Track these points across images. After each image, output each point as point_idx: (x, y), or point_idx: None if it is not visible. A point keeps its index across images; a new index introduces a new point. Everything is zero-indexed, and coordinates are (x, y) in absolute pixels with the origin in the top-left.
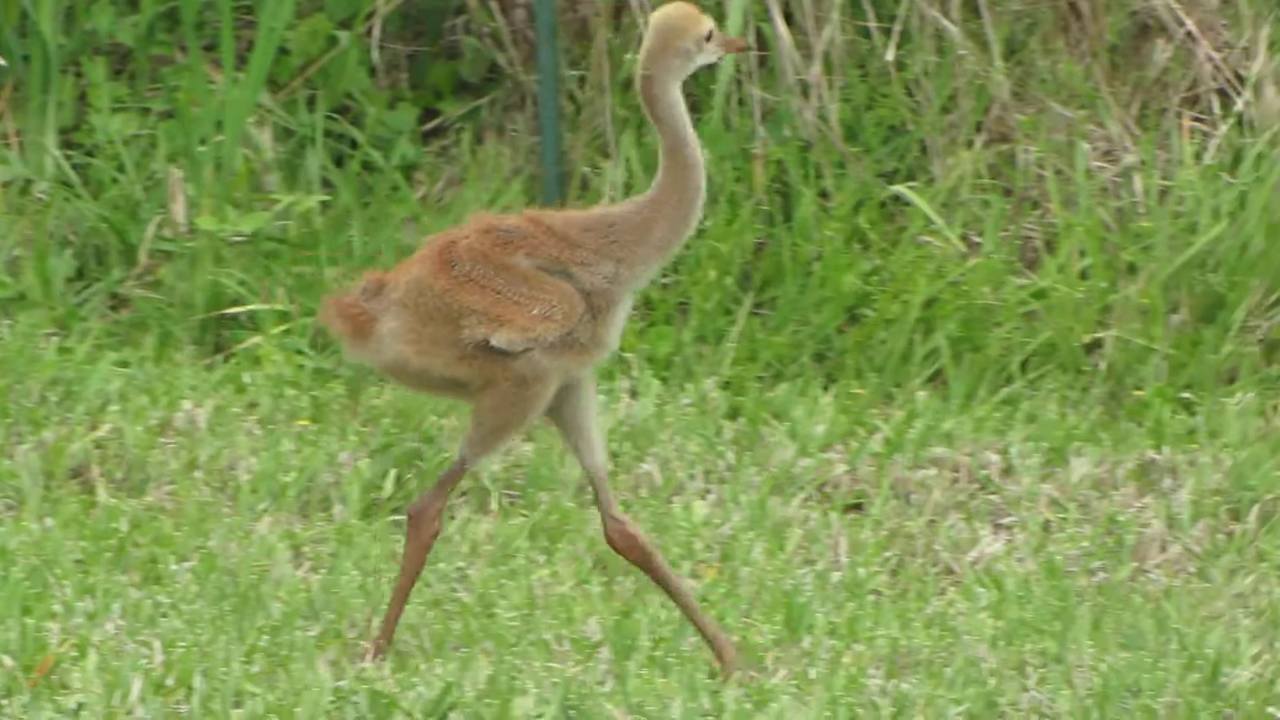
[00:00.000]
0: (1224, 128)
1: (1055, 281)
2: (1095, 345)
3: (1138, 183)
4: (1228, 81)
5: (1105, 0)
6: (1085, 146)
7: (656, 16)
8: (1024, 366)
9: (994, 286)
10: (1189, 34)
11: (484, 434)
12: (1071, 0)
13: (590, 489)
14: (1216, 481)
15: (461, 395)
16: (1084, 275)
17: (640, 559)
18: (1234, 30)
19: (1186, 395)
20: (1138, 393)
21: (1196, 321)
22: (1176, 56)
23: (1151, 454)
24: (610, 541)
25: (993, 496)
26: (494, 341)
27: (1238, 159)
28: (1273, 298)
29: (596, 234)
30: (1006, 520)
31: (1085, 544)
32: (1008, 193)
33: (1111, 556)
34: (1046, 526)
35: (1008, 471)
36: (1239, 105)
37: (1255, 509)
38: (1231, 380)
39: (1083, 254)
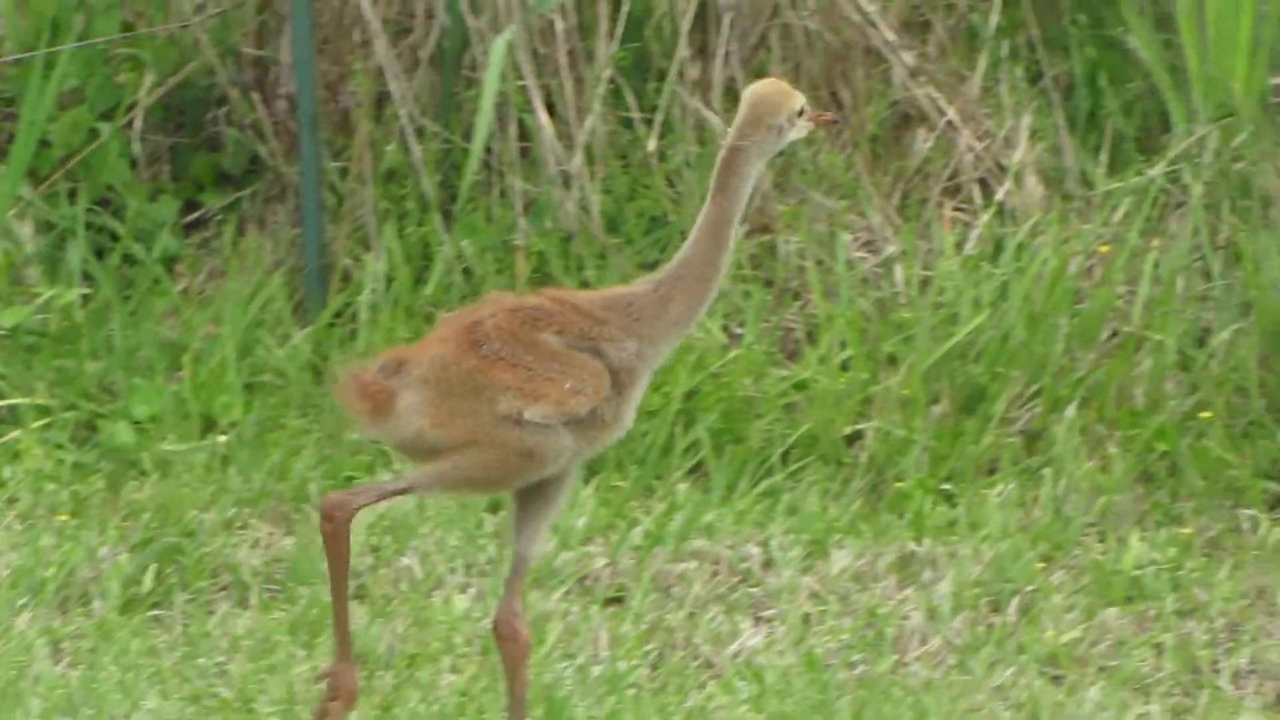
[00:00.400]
0: (985, 217)
1: (816, 373)
2: (856, 437)
3: (899, 273)
4: (989, 171)
5: (866, 90)
6: (846, 237)
7: (752, 91)
8: (785, 458)
9: (755, 378)
10: (950, 123)
11: (448, 477)
12: (833, 90)
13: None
14: (977, 573)
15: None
16: (845, 366)
17: (512, 659)
18: (995, 120)
19: (947, 487)
20: (898, 484)
21: (957, 413)
22: (938, 146)
23: (912, 546)
24: (495, 626)
25: (753, 589)
26: (528, 415)
27: (999, 249)
28: (1033, 389)
29: (618, 312)
30: (767, 613)
31: (845, 636)
32: (769, 283)
33: (872, 649)
34: (807, 619)
35: (768, 564)
36: (1000, 194)
37: (1015, 601)
38: (992, 471)
39: (843, 345)
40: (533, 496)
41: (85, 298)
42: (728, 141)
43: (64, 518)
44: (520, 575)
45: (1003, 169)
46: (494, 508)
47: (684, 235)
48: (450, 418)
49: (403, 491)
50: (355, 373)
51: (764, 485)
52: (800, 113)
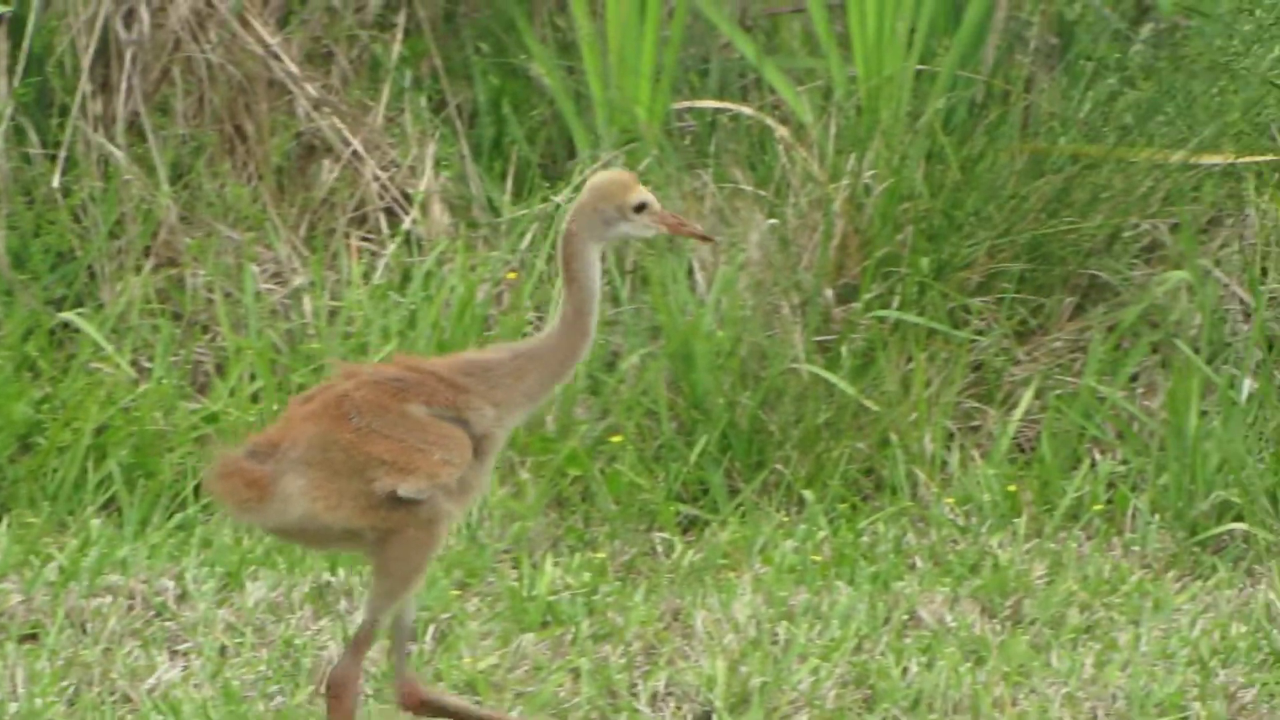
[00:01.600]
0: (392, 246)
1: (226, 405)
2: None
3: (307, 304)
4: (395, 200)
5: (271, 122)
6: (254, 269)
7: (592, 177)
8: (198, 491)
9: (165, 412)
10: (355, 154)
11: (390, 585)
12: (237, 123)
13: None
14: None
15: (356, 547)
16: (255, 398)
17: (430, 710)
18: (400, 149)
19: None
20: None
21: None
22: (344, 176)
23: (327, 575)
24: (401, 700)
25: (169, 623)
26: (401, 491)
27: (407, 277)
28: None
29: (477, 378)
30: (183, 646)
31: (262, 668)
32: (177, 317)
33: (288, 680)
34: (223, 651)
35: (183, 597)
36: (406, 223)
37: (432, 628)
38: None
39: (253, 377)
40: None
41: None
42: (562, 227)
43: None
44: (404, 645)
45: (408, 198)
46: None
47: (90, 270)
48: (341, 498)
49: (371, 633)
50: (228, 460)
51: (178, 519)
52: (639, 208)
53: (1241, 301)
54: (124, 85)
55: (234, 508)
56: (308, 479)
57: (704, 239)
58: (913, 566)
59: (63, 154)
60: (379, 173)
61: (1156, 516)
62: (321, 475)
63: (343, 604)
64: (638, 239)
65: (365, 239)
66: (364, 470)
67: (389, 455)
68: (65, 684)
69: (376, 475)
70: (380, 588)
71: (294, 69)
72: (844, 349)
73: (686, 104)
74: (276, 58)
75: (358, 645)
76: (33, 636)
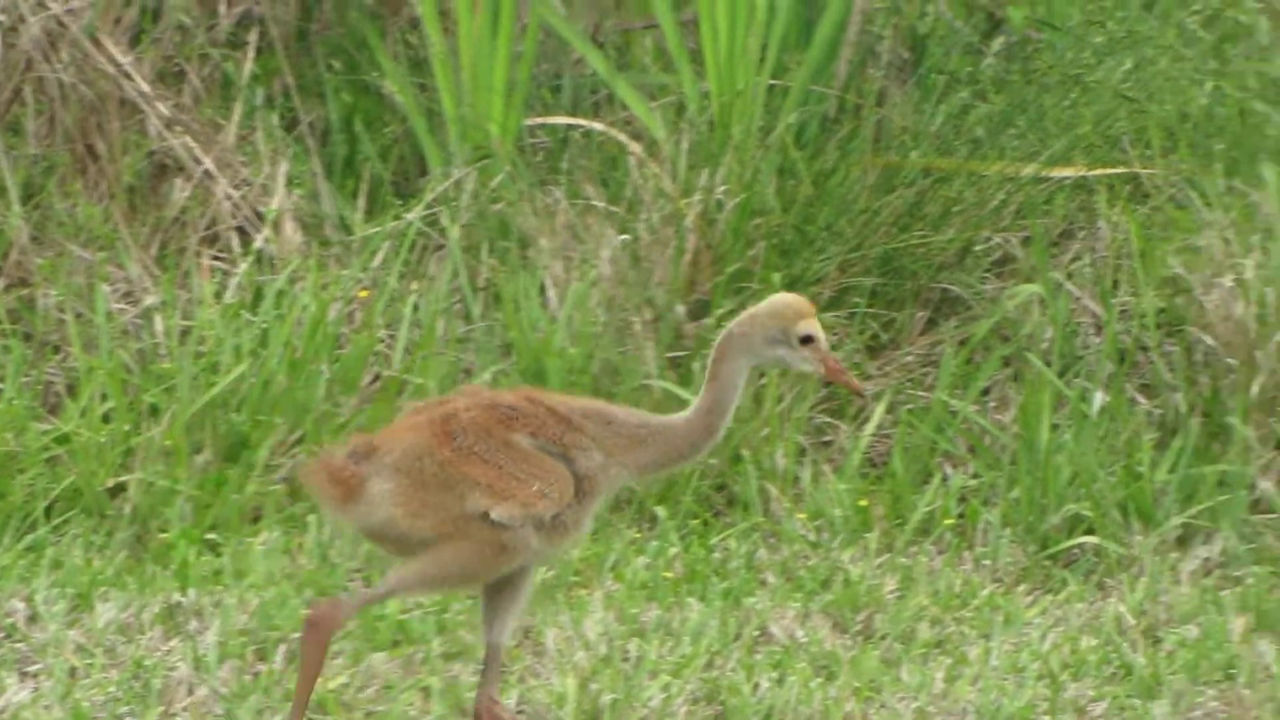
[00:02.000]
0: (244, 265)
1: (78, 426)
2: (120, 489)
3: (159, 323)
4: (247, 219)
5: (122, 141)
6: (105, 288)
7: (774, 296)
8: (49, 512)
9: (16, 433)
10: (207, 172)
11: (429, 576)
12: (89, 142)
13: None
14: (243, 622)
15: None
16: (107, 419)
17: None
18: (252, 168)
19: (212, 536)
20: (163, 535)
21: (220, 461)
22: (195, 195)
23: (178, 596)
24: (476, 714)
25: (19, 644)
26: (494, 515)
27: (259, 296)
28: (295, 435)
29: (595, 422)
30: (33, 668)
31: (112, 689)
32: (28, 337)
33: (139, 701)
34: (73, 673)
35: (33, 619)
36: (258, 242)
37: (282, 648)
38: (256, 519)
39: (105, 397)
40: (500, 588)
41: None
42: (727, 328)
43: None
44: (496, 665)
45: (260, 216)
46: None
47: None
48: (423, 509)
49: (385, 596)
50: (325, 457)
51: (28, 540)
52: (805, 340)
53: (1093, 314)
54: None
55: (325, 503)
56: (395, 484)
57: (859, 394)
58: (764, 582)
59: None
60: (231, 191)
61: (1008, 530)
62: (409, 483)
63: (193, 624)
64: (793, 369)
65: (217, 258)
66: (455, 487)
67: (484, 479)
68: None
69: (469, 495)
70: (418, 569)
71: (145, 88)
72: (696, 365)
73: (539, 120)
74: (128, 77)
75: (363, 596)
76: None
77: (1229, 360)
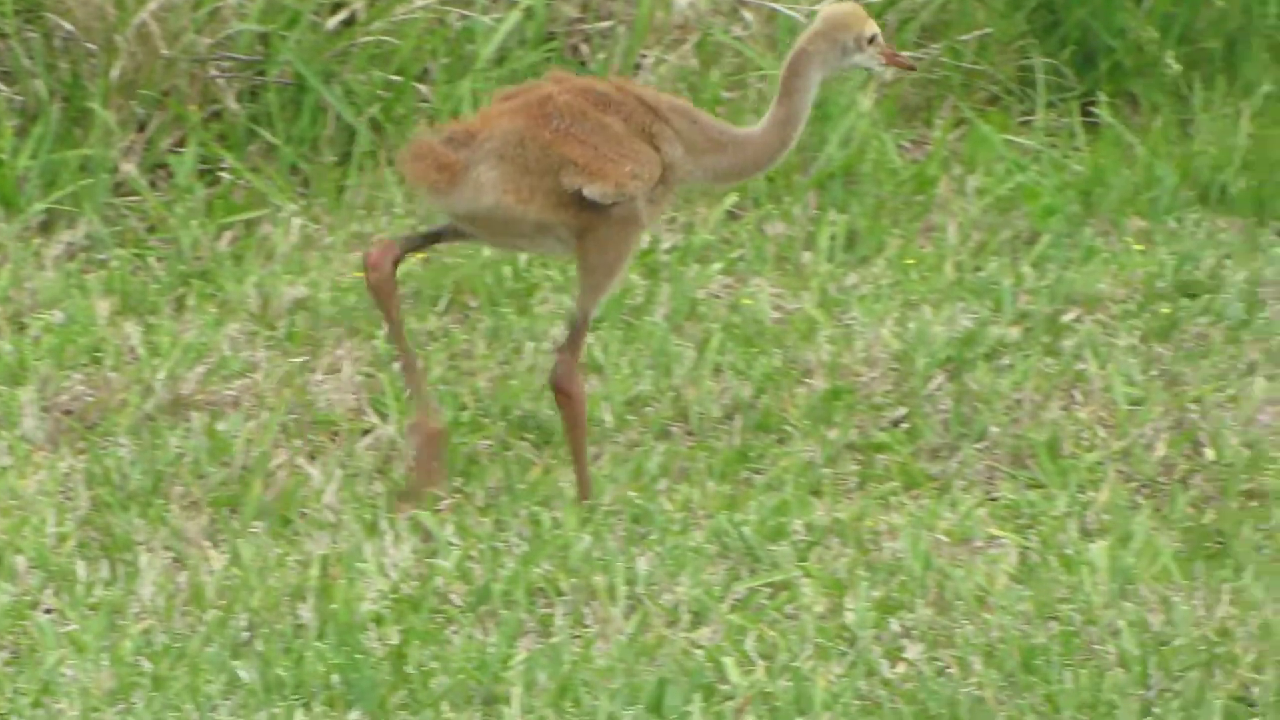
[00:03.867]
0: None
1: None
2: None
3: None
4: None
5: None
6: None
7: (827, 8)
8: None
9: None
10: None
11: (596, 280)
12: None
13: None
14: None
15: (541, 244)
16: None
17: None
18: None
19: None
20: None
21: None
22: None
23: None
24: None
25: None
26: (587, 193)
27: None
28: None
29: (681, 117)
30: None
31: None
32: None
33: None
34: None
35: None
36: None
37: None
38: None
39: None
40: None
41: None
42: (795, 45)
43: None
44: (577, 334)
45: None
46: None
47: None
48: (532, 193)
49: (585, 325)
50: (422, 143)
51: None
52: (871, 39)
53: None
54: None
55: (425, 189)
56: (500, 171)
57: (911, 69)
58: None
59: None
60: None
61: None
62: (514, 169)
63: None
64: (866, 69)
65: None
66: (557, 170)
67: (581, 159)
68: None
69: (567, 174)
70: (586, 283)
71: None
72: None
73: None
74: None
75: (573, 340)
76: None
77: (88, 45)
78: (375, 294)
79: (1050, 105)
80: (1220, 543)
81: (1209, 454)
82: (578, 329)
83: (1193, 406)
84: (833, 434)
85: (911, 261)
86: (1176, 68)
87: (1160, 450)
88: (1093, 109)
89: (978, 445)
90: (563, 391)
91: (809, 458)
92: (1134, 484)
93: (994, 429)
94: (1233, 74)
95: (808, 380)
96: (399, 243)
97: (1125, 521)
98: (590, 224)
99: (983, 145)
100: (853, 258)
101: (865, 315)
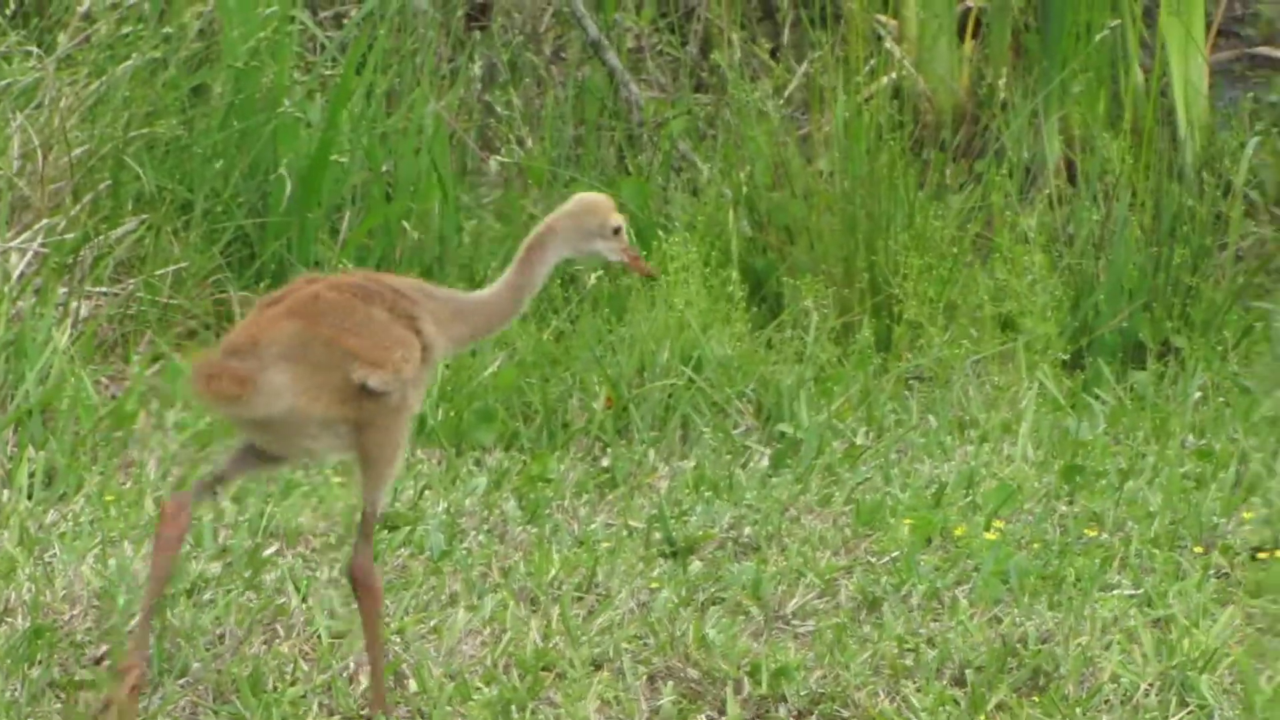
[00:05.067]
0: None
1: None
2: None
3: None
4: None
5: None
6: None
7: (577, 195)
8: None
9: None
10: None
11: (379, 470)
12: None
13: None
14: None
15: (322, 443)
16: None
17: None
18: None
19: None
20: None
21: None
22: None
23: None
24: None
25: None
26: (371, 383)
27: None
28: None
29: (426, 295)
30: None
31: None
32: None
33: None
34: None
35: None
36: None
37: None
38: None
39: None
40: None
41: None
42: (544, 221)
43: None
44: (368, 523)
45: None
46: None
47: None
48: (320, 391)
49: (373, 518)
50: (209, 361)
51: None
52: (615, 231)
53: None
54: None
55: (222, 404)
56: (292, 374)
57: (651, 276)
58: None
59: None
60: None
61: None
62: (304, 369)
63: None
64: (601, 260)
65: None
66: (341, 364)
67: (361, 350)
68: None
69: (351, 367)
70: (370, 474)
71: None
72: None
73: None
74: None
75: (365, 534)
76: None
77: None
78: (164, 547)
79: None
80: None
81: (412, 685)
82: (368, 521)
83: (396, 638)
84: (35, 672)
85: (111, 498)
86: None
87: (363, 683)
88: None
89: (180, 681)
90: (362, 585)
91: (12, 697)
92: (337, 717)
93: (196, 665)
94: None
95: (8, 619)
96: (194, 490)
97: None
98: (370, 415)
99: (180, 379)
100: (52, 495)
101: (66, 553)
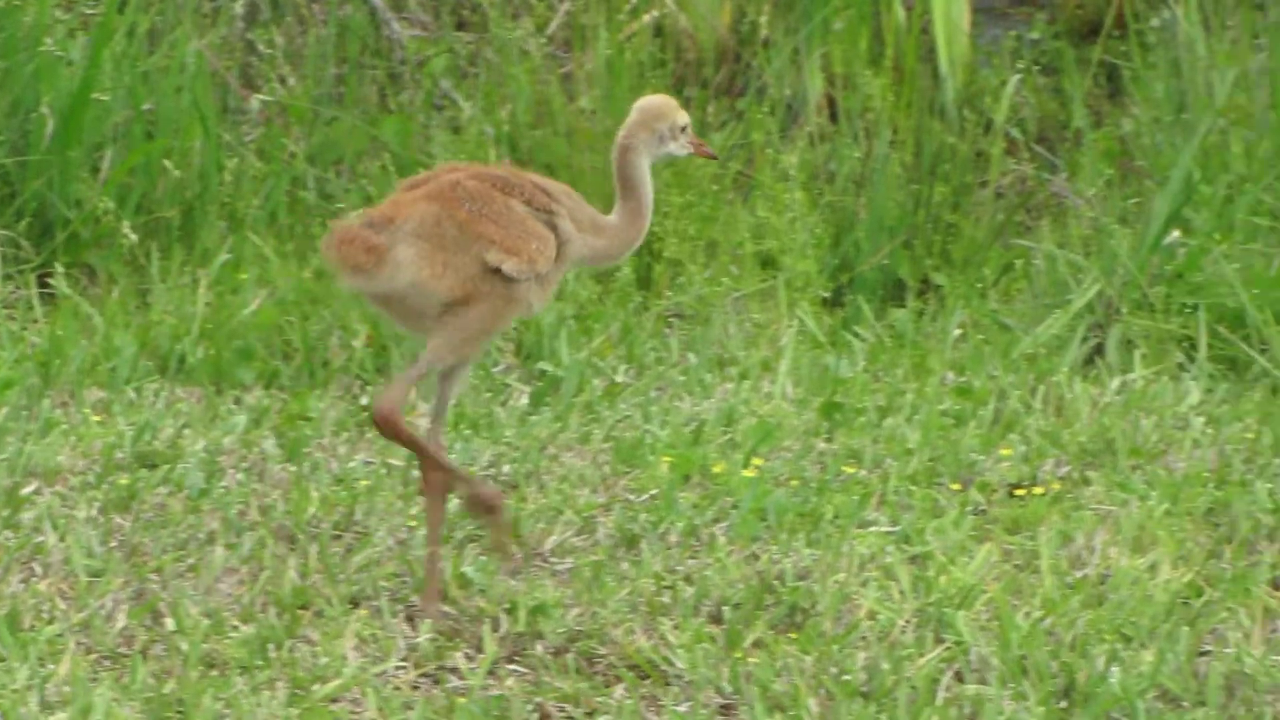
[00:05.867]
0: None
1: None
2: None
3: None
4: None
5: None
6: None
7: (640, 100)
8: None
9: None
10: None
11: (458, 340)
12: None
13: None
14: None
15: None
16: None
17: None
18: None
19: None
20: None
21: None
22: None
23: None
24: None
25: None
26: (505, 268)
27: None
28: None
29: (568, 197)
30: None
31: None
32: None
33: None
34: None
35: None
36: None
37: None
38: None
39: None
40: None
41: None
42: (617, 141)
43: None
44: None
45: None
46: None
47: None
48: (445, 269)
49: (423, 372)
50: (347, 228)
51: None
52: (683, 128)
53: None
54: None
55: (349, 271)
56: (417, 249)
57: (714, 158)
58: None
59: None
60: None
61: None
62: (432, 247)
63: None
64: (676, 157)
65: None
66: (472, 246)
67: (497, 236)
68: None
69: (486, 251)
70: (447, 338)
71: None
72: None
73: None
74: None
75: (406, 378)
76: None
77: None
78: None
79: (8, 277)
80: (181, 712)
81: (169, 623)
82: (418, 367)
83: (153, 577)
84: None
85: None
86: (134, 238)
87: (120, 621)
88: (50, 280)
89: None
90: (384, 421)
91: None
92: (94, 656)
93: None
94: (190, 243)
95: None
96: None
97: (86, 694)
98: (487, 294)
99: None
100: None
101: None
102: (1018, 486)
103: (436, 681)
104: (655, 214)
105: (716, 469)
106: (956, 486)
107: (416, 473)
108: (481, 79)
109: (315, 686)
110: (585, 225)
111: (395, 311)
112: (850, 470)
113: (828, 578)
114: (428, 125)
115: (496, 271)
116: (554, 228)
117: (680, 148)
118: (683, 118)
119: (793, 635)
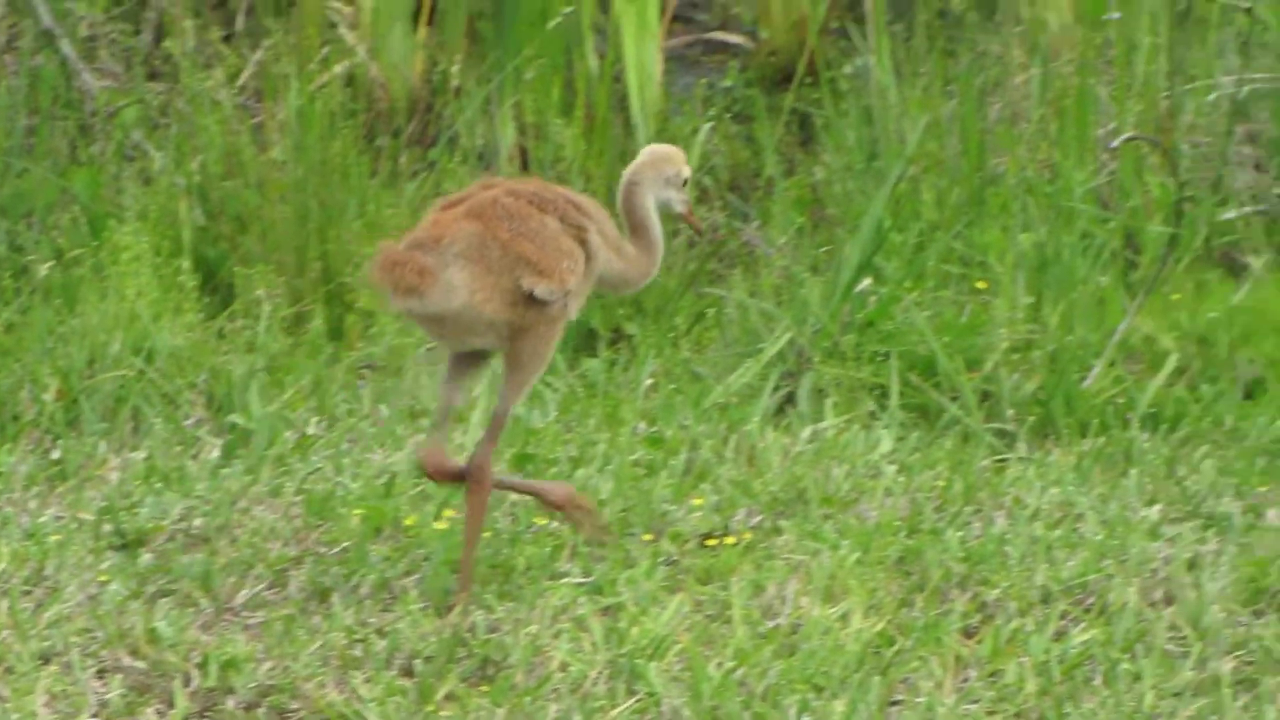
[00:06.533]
0: None
1: None
2: None
3: None
4: None
5: None
6: None
7: (650, 146)
8: None
9: None
10: None
11: (524, 376)
12: None
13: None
14: None
15: (486, 339)
16: None
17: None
18: None
19: None
20: None
21: None
22: None
23: None
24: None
25: None
26: (536, 292)
27: None
28: None
29: (599, 211)
30: None
31: None
32: None
33: None
34: None
35: None
36: None
37: None
38: None
39: None
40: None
41: None
42: (623, 181)
43: None
44: (498, 426)
45: None
46: None
47: None
48: (492, 293)
49: (504, 420)
50: (393, 251)
51: None
52: (684, 183)
53: None
54: None
55: (400, 294)
56: (469, 273)
57: (699, 232)
58: None
59: None
60: None
61: None
62: (480, 270)
63: None
64: (668, 210)
65: None
66: (512, 269)
67: (534, 256)
68: None
69: (522, 274)
70: (513, 379)
71: None
72: None
73: None
74: None
75: (492, 433)
76: None
77: None
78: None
79: None
80: None
81: None
82: (498, 421)
83: None
84: None
85: None
86: None
87: None
88: None
89: None
90: (475, 480)
91: None
92: None
93: None
94: None
95: None
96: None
97: None
98: (529, 322)
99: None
100: None
101: None
102: (709, 536)
103: None
104: (346, 265)
105: (408, 521)
106: (649, 537)
107: (107, 526)
108: (173, 130)
109: None
110: (611, 243)
111: (438, 328)
112: (542, 522)
113: (520, 630)
114: (118, 176)
115: (530, 295)
116: (583, 242)
117: (678, 202)
118: (686, 171)
119: (484, 688)
